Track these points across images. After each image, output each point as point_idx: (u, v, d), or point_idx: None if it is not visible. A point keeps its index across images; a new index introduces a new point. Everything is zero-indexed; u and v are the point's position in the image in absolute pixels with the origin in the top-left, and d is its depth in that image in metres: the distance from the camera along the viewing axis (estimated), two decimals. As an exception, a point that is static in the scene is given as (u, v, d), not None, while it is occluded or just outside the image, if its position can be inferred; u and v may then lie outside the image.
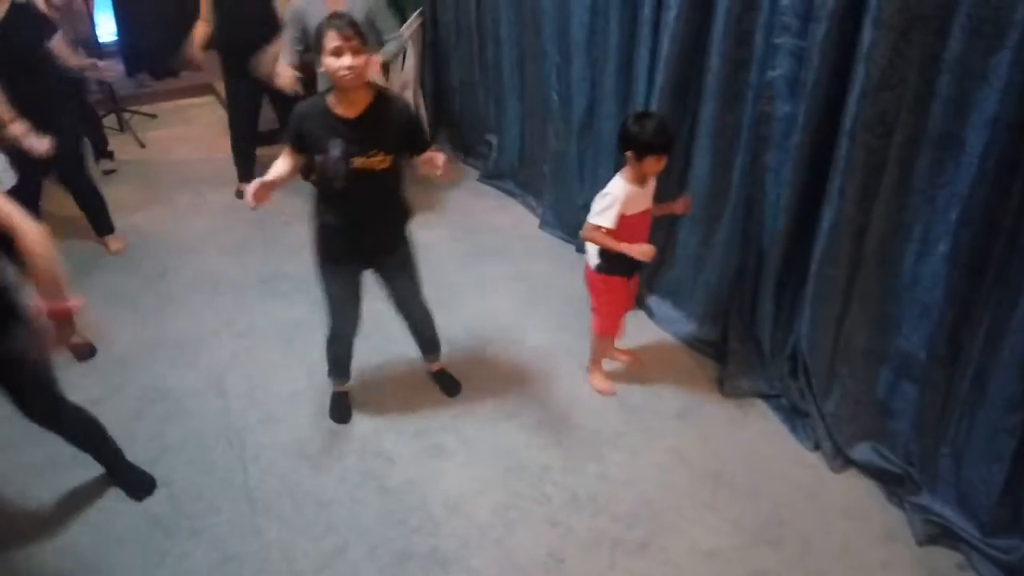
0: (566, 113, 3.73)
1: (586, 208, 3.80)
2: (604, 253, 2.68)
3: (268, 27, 4.03)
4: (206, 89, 6.23)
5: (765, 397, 2.95)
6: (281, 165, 2.41)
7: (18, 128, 3.21)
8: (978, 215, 2.11)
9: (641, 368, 3.16)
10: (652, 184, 2.63)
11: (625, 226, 2.57)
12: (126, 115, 5.57)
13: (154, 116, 5.81)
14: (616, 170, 3.53)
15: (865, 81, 2.15)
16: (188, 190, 4.75)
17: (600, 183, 3.66)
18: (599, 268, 2.75)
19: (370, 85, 2.35)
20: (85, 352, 3.23)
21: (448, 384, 3.07)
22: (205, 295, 3.71)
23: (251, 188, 2.25)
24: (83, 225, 4.05)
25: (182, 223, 4.38)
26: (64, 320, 2.05)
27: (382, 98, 2.37)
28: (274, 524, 2.49)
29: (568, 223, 4.04)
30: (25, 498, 2.60)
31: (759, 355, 3.00)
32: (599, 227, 2.56)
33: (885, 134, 2.22)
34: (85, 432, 2.48)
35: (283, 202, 4.49)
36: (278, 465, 2.72)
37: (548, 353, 3.26)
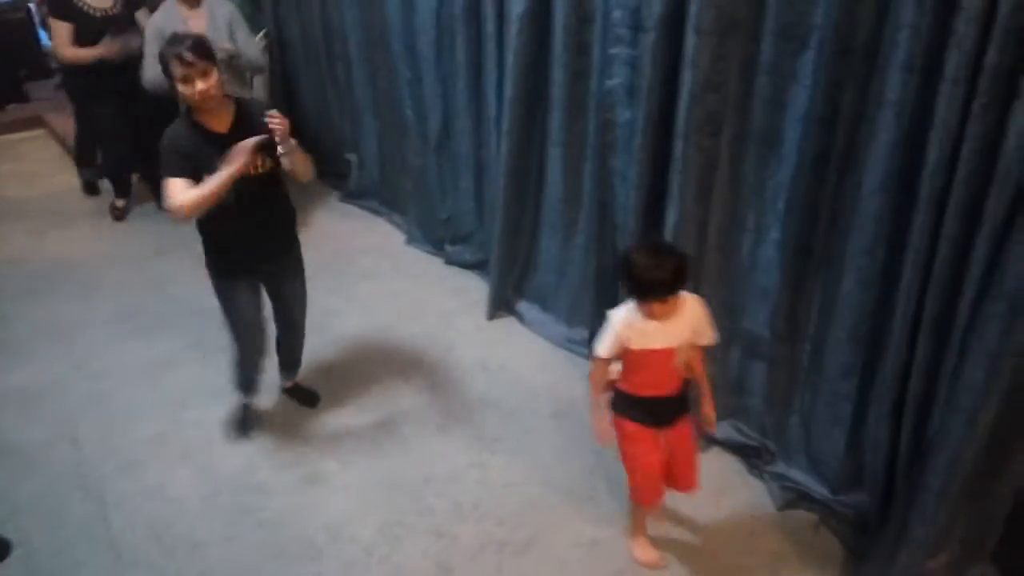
0: (422, 129, 3.77)
1: (449, 221, 3.89)
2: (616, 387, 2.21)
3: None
4: (36, 122, 5.81)
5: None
6: (192, 190, 2.26)
7: None
8: (800, 203, 2.31)
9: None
10: (684, 321, 2.04)
11: (636, 362, 2.10)
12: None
13: (-21, 153, 5.38)
14: (475, 180, 3.63)
15: (692, 85, 2.31)
16: (25, 226, 4.42)
17: (462, 195, 3.74)
18: (611, 404, 2.23)
19: (229, 97, 2.36)
20: None
21: (306, 396, 3.06)
22: (51, 339, 3.46)
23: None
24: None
25: (22, 264, 4.07)
26: None
27: (244, 105, 2.40)
28: (143, 573, 2.36)
29: (433, 237, 4.07)
30: None
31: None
32: (594, 356, 2.15)
33: (714, 133, 2.39)
34: None
35: (138, 235, 4.30)
36: (143, 511, 2.58)
37: (422, 366, 3.27)
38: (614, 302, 3.05)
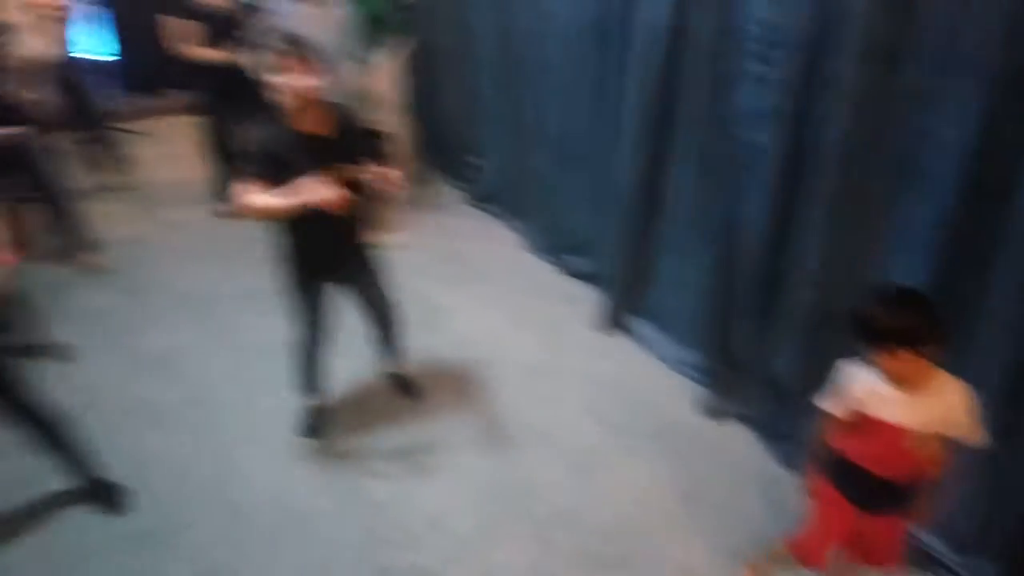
0: (548, 138, 3.81)
1: (569, 230, 3.90)
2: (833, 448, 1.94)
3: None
4: (191, 109, 6.25)
5: (745, 418, 3.00)
6: (271, 196, 2.32)
7: None
8: (946, 241, 2.17)
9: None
10: (936, 402, 1.72)
11: (864, 428, 1.81)
12: (112, 132, 5.57)
13: (143, 134, 5.84)
14: (598, 191, 3.62)
15: (833, 109, 2.23)
16: (173, 207, 4.78)
17: (583, 205, 3.76)
18: (820, 458, 1.99)
19: (328, 103, 2.39)
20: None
21: (408, 386, 3.12)
22: (189, 310, 3.72)
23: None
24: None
25: (167, 238, 4.40)
26: None
27: (342, 111, 2.44)
28: (257, 536, 2.50)
29: (552, 245, 4.10)
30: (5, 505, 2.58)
31: (740, 377, 3.04)
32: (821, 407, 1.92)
33: (853, 161, 2.29)
34: (51, 431, 2.45)
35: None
36: (261, 478, 2.73)
37: (531, 373, 3.30)
38: (735, 326, 3.02)
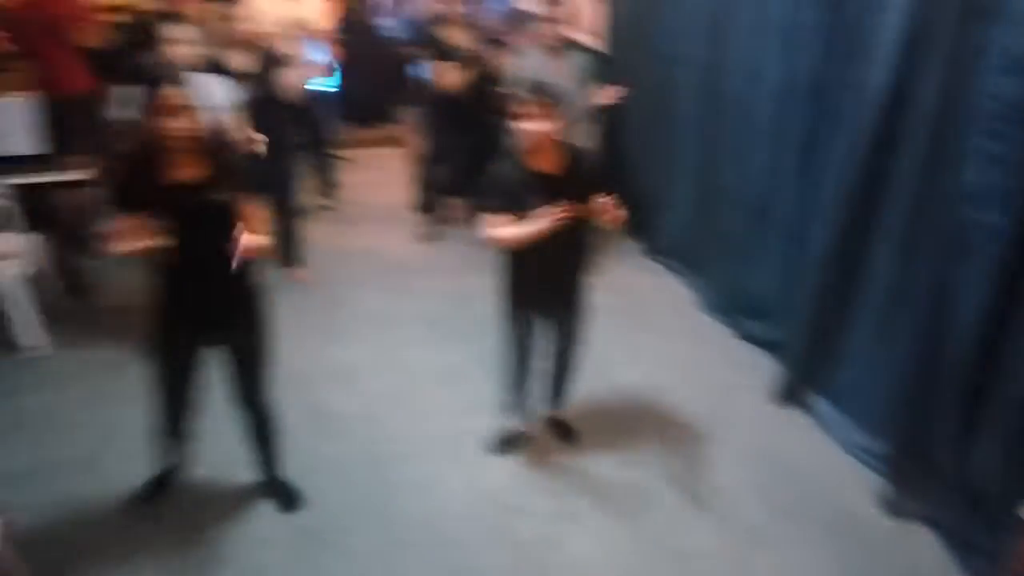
0: (742, 198, 3.71)
1: (751, 296, 3.75)
2: None
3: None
4: (399, 141, 6.73)
5: (933, 524, 2.71)
6: (511, 226, 2.49)
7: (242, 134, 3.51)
8: None
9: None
10: None
11: None
12: (327, 157, 6.11)
13: (351, 161, 6.34)
14: (789, 258, 3.46)
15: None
16: (374, 229, 5.13)
17: (770, 270, 3.61)
18: None
19: (562, 144, 2.49)
20: None
21: (565, 431, 3.13)
22: (375, 327, 3.95)
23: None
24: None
25: (363, 260, 4.72)
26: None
27: (576, 152, 2.54)
28: (408, 554, 2.58)
29: (731, 307, 3.96)
30: (196, 488, 2.85)
31: (932, 477, 2.76)
32: None
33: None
34: (274, 420, 2.69)
35: (456, 252, 4.76)
36: (416, 499, 2.82)
37: (698, 434, 3.18)
38: (933, 420, 2.75)
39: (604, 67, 5.09)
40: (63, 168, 3.87)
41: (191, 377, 2.54)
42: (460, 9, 4.34)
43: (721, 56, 3.73)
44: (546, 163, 2.48)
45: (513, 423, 3.06)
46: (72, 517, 2.69)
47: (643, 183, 4.86)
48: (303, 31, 4.69)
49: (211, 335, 2.47)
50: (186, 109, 2.15)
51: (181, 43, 2.99)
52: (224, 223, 2.23)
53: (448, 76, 4.42)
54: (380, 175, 6.14)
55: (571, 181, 2.47)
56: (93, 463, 2.93)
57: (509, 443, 3.05)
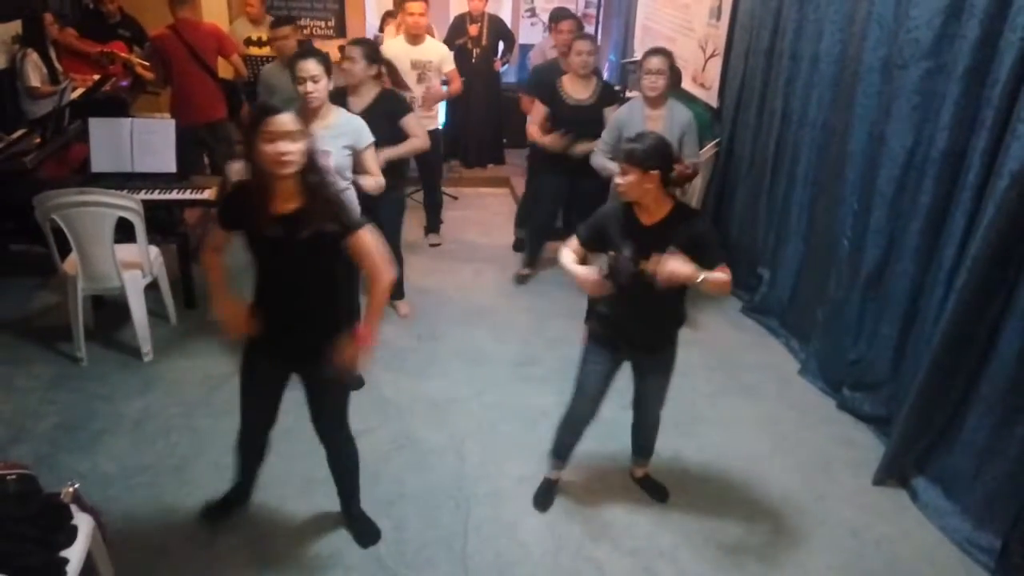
0: (855, 262, 3.57)
1: (857, 364, 3.58)
2: None
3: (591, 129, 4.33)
4: (503, 182, 6.87)
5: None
6: (572, 258, 2.62)
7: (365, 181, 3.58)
8: None
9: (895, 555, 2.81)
10: None
11: None
12: (438, 194, 6.29)
13: (456, 198, 6.50)
14: (901, 330, 3.30)
15: None
16: (471, 267, 5.21)
17: (880, 341, 3.44)
18: None
19: (672, 198, 2.50)
20: (357, 382, 3.62)
21: (655, 489, 3.07)
22: (464, 364, 3.99)
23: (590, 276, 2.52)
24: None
25: (458, 296, 4.79)
26: (365, 347, 2.41)
27: (680, 210, 2.51)
28: (479, 598, 2.55)
29: (832, 376, 3.79)
30: (282, 509, 2.93)
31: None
32: None
33: None
34: (351, 457, 2.73)
35: (550, 295, 4.77)
36: (496, 541, 2.80)
37: (786, 509, 3.04)
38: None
39: (715, 121, 5.08)
40: (189, 187, 4.12)
41: (272, 401, 2.60)
42: (578, 60, 4.34)
43: (844, 118, 3.63)
44: (646, 215, 2.49)
45: (553, 473, 3.01)
46: (158, 521, 2.81)
47: (750, 239, 4.76)
48: (432, 72, 4.85)
49: (295, 365, 2.52)
50: (295, 135, 2.17)
51: (312, 79, 3.09)
52: (320, 254, 2.30)
53: (533, 120, 4.45)
54: (484, 215, 6.25)
55: (671, 237, 2.42)
56: (183, 470, 3.06)
57: (544, 496, 3.00)
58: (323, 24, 7.67)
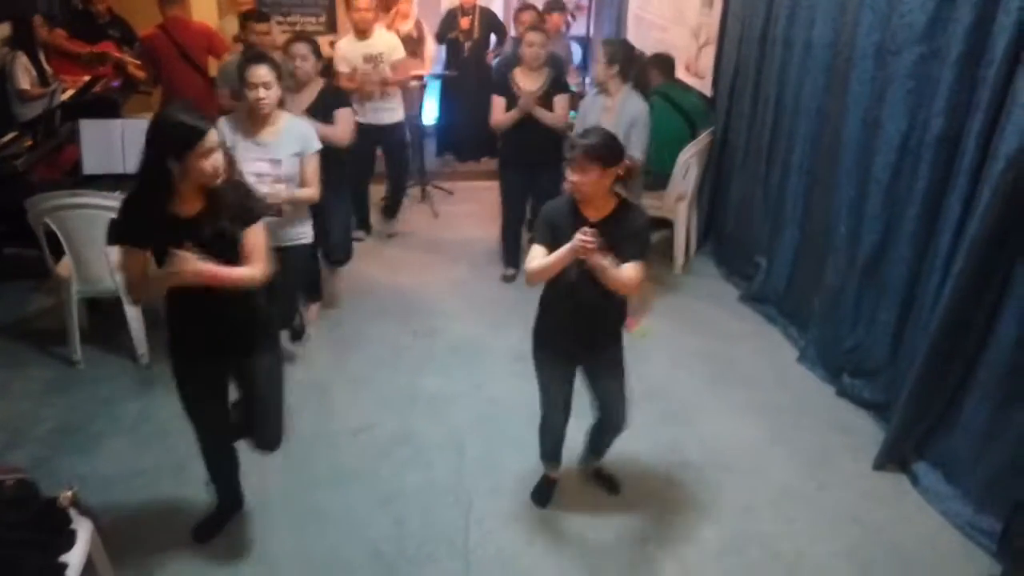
0: (851, 249, 3.56)
1: (856, 350, 3.58)
2: None
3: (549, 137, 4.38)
4: (498, 175, 6.84)
5: (1053, 615, 2.48)
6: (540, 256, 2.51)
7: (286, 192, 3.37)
8: None
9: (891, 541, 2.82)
10: None
11: None
12: (428, 188, 6.27)
13: (451, 192, 6.48)
14: (899, 316, 3.30)
15: None
16: (466, 262, 5.19)
17: (878, 327, 3.44)
18: None
19: (616, 194, 2.49)
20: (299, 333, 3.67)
21: (609, 483, 3.05)
22: (462, 359, 3.98)
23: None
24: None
25: (454, 291, 4.78)
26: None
27: (624, 207, 2.50)
28: (482, 593, 2.55)
29: (831, 363, 3.79)
30: (278, 506, 2.92)
31: (1051, 563, 2.54)
32: None
33: None
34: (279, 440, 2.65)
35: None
36: (497, 535, 2.79)
37: (785, 498, 3.04)
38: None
39: (709, 110, 5.07)
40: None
41: (221, 399, 2.56)
42: (529, 51, 4.31)
43: (838, 105, 3.62)
44: (593, 210, 2.46)
45: (549, 472, 3.01)
46: (158, 523, 2.81)
47: (747, 228, 4.75)
48: (385, 64, 4.81)
49: (224, 360, 2.48)
50: (221, 147, 2.18)
51: (263, 85, 3.00)
52: (226, 251, 2.25)
53: (495, 112, 4.44)
54: (478, 208, 6.22)
55: (616, 233, 2.40)
56: (181, 472, 3.05)
57: (543, 493, 2.99)
58: (314, 20, 7.62)
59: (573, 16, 7.07)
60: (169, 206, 2.19)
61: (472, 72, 6.54)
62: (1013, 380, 2.69)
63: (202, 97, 5.16)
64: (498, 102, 4.46)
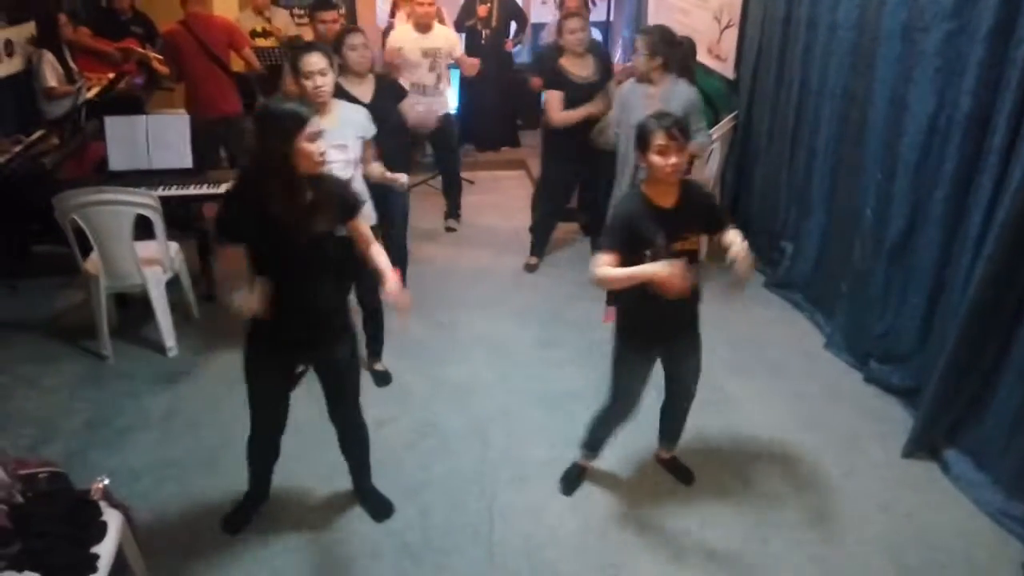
0: (879, 232, 3.50)
1: (884, 336, 3.52)
2: None
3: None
4: (519, 164, 6.82)
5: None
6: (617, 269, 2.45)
7: (378, 169, 3.50)
8: None
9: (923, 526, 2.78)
10: None
11: None
12: (452, 180, 6.25)
13: (472, 182, 6.47)
14: (929, 300, 3.24)
15: None
16: (489, 252, 5.18)
17: (907, 312, 3.38)
18: None
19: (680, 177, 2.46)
20: (385, 379, 3.63)
21: (682, 472, 3.04)
22: (486, 349, 3.98)
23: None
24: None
25: (478, 281, 4.78)
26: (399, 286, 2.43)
27: (686, 185, 2.49)
28: (507, 583, 2.56)
29: (859, 349, 3.73)
30: (307, 497, 2.95)
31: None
32: None
33: None
34: (364, 436, 2.77)
35: (567, 278, 4.74)
36: (521, 525, 2.80)
37: (816, 484, 3.00)
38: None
39: (731, 94, 4.99)
40: (206, 182, 4.13)
41: (285, 399, 2.62)
42: (572, 38, 4.26)
43: (864, 85, 3.55)
44: (664, 197, 2.44)
45: (586, 461, 3.00)
46: (188, 515, 2.84)
47: (771, 213, 4.69)
48: (442, 59, 4.86)
49: (309, 355, 2.57)
50: (322, 134, 2.23)
51: (319, 73, 3.01)
52: (325, 250, 2.34)
53: (553, 109, 4.37)
54: (500, 198, 6.22)
55: (690, 214, 2.43)
56: (211, 463, 3.09)
57: (573, 481, 2.99)
58: (335, 14, 7.63)
59: (594, 2, 6.99)
60: (273, 201, 2.23)
61: (491, 61, 6.49)
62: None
63: (224, 92, 5.20)
64: (553, 96, 4.36)
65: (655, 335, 2.63)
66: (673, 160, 2.35)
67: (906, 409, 3.39)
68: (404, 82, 4.68)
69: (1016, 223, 2.62)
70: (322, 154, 2.24)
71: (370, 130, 3.25)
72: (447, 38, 4.96)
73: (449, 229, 5.56)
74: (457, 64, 5.03)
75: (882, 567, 2.61)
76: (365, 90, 3.60)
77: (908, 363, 3.44)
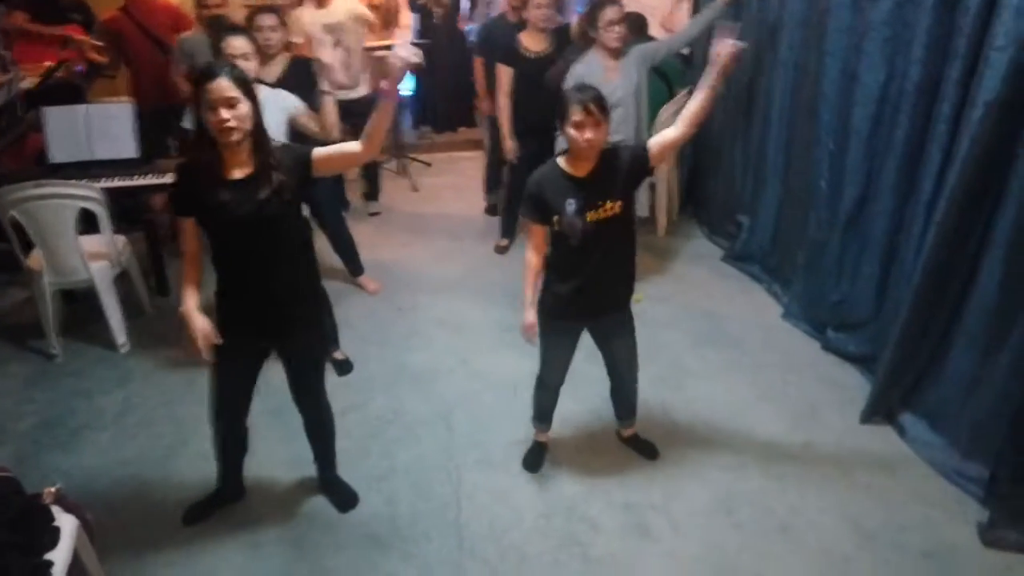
0: (833, 203, 3.53)
1: (840, 304, 3.57)
2: None
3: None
4: (478, 144, 6.76)
5: (1039, 557, 2.51)
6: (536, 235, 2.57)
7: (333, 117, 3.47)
8: None
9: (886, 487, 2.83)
10: None
11: None
12: (406, 161, 6.18)
13: (429, 164, 6.40)
14: (883, 267, 3.29)
15: None
16: (447, 235, 5.13)
17: (862, 280, 3.43)
18: None
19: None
20: (346, 367, 3.57)
21: (645, 448, 3.05)
22: (447, 333, 3.95)
23: None
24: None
25: (437, 264, 4.73)
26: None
27: (608, 152, 2.45)
28: (477, 566, 2.55)
29: (816, 317, 3.78)
30: (270, 491, 2.90)
31: (1038, 506, 2.56)
32: None
33: None
34: (329, 423, 2.74)
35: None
36: (489, 509, 2.79)
37: (775, 454, 3.04)
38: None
39: (686, 68, 4.99)
40: (153, 172, 4.01)
41: (251, 384, 2.56)
42: (538, 12, 4.18)
43: (816, 57, 3.56)
44: (580, 168, 2.44)
45: (540, 436, 3.03)
46: (146, 514, 2.77)
47: (728, 187, 4.72)
48: (347, 35, 4.60)
49: (273, 340, 2.51)
50: (236, 101, 2.12)
51: (243, 57, 2.88)
52: (284, 214, 2.26)
53: (502, 86, 4.30)
54: (458, 179, 6.16)
55: (607, 182, 2.42)
56: (168, 461, 3.02)
57: (535, 458, 3.00)
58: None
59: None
60: (219, 169, 2.19)
61: (445, 40, 6.42)
62: (997, 323, 2.67)
63: (167, 80, 5.02)
64: (504, 72, 4.28)
65: (574, 312, 2.63)
66: (588, 135, 2.33)
67: (863, 376, 3.45)
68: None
69: (965, 189, 2.66)
70: (225, 121, 2.10)
71: (292, 105, 3.17)
72: (346, 7, 4.56)
73: (372, 213, 5.46)
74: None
75: (843, 532, 2.65)
76: (272, 70, 3.48)
77: (864, 330, 3.50)
